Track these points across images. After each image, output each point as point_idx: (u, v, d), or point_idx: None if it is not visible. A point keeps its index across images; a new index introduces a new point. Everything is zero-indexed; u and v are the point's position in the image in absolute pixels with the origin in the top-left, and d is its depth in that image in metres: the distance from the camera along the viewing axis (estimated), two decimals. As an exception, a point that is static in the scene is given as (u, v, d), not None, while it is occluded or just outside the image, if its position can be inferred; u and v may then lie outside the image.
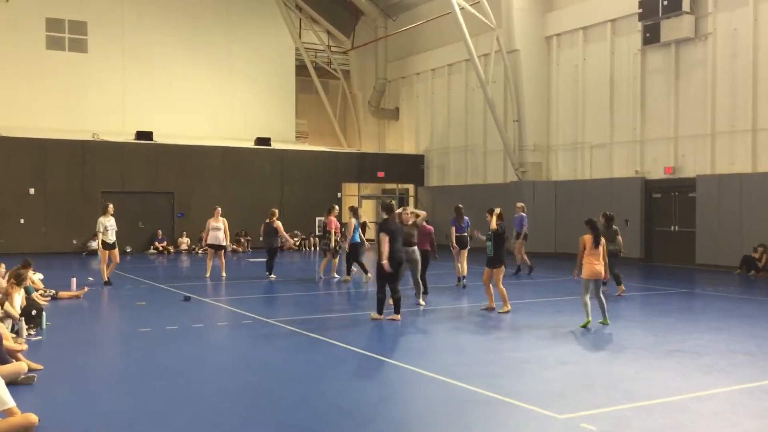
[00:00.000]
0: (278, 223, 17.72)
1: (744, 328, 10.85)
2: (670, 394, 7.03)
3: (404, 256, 11.63)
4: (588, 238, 10.90)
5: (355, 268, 17.48)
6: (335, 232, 17.24)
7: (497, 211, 12.32)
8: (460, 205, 16.41)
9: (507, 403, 6.69)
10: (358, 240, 16.97)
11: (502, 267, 12.15)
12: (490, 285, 12.32)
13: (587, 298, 10.85)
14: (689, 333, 10.37)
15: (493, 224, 12.09)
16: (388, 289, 11.26)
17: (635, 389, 7.19)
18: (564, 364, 8.36)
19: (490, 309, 12.32)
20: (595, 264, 10.82)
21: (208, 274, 17.55)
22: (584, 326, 10.64)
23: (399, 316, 11.24)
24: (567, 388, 7.25)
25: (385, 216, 11.32)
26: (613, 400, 6.82)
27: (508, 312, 12.07)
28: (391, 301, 11.32)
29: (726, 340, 9.77)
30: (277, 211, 18.31)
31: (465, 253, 15.89)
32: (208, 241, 17.89)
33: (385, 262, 10.91)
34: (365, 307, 12.75)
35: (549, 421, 6.16)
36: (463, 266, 15.80)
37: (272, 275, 17.51)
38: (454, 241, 15.90)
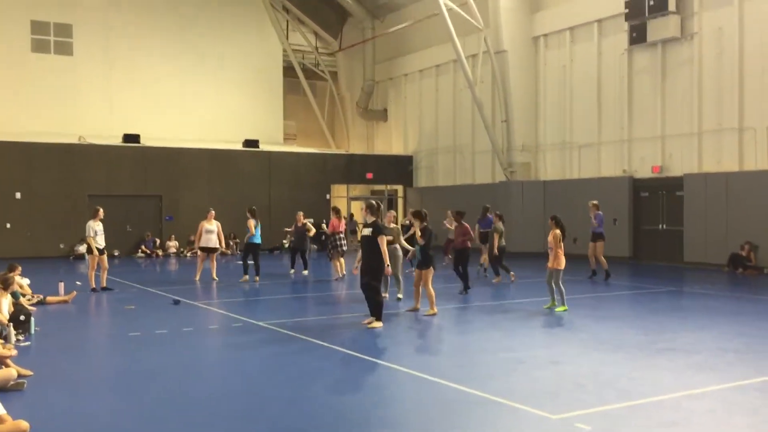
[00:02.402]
0: (309, 225, 19.11)
1: (733, 326, 10.92)
2: (663, 392, 7.05)
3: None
4: (559, 233, 12.28)
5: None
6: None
7: (422, 216, 12.44)
8: (488, 205, 19.05)
9: (500, 404, 6.69)
10: (257, 241, 17.65)
11: (431, 269, 12.05)
12: (419, 287, 12.22)
13: (562, 284, 12.35)
14: (679, 331, 10.42)
15: (419, 234, 12.17)
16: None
17: (628, 388, 7.21)
18: (557, 363, 8.37)
19: (415, 310, 12.30)
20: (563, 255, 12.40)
21: (197, 277, 17.44)
22: (563, 310, 12.20)
23: (381, 324, 10.88)
24: (560, 387, 7.26)
25: (373, 218, 10.93)
26: (606, 399, 6.83)
27: (434, 315, 11.87)
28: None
29: (716, 338, 9.82)
30: (302, 213, 19.53)
31: (488, 247, 17.82)
32: (201, 244, 17.61)
33: (388, 265, 10.73)
34: (356, 309, 12.71)
35: (543, 422, 6.16)
36: (485, 257, 18.03)
37: (306, 270, 18.95)
38: (477, 237, 17.71)
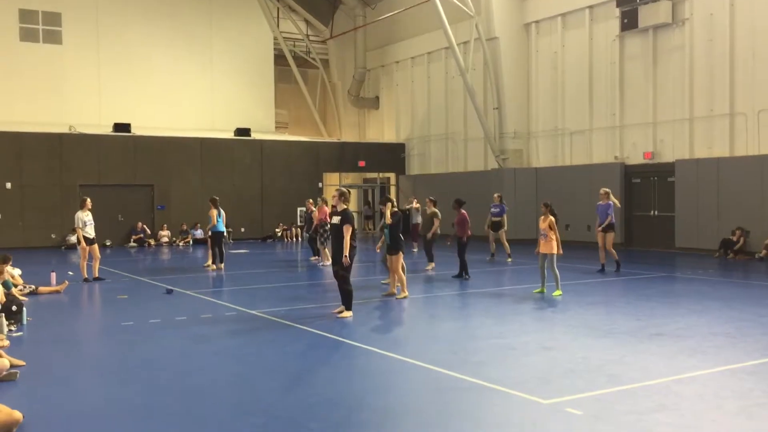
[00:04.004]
0: (315, 213, 19.38)
1: (724, 310, 10.99)
2: (653, 377, 7.10)
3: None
4: (553, 219, 12.55)
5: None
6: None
7: (392, 202, 12.77)
8: (499, 194, 19.86)
9: (492, 390, 6.73)
10: (221, 230, 18.00)
11: (400, 253, 12.42)
12: (398, 271, 12.63)
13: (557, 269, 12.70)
14: (671, 316, 10.48)
15: (388, 216, 12.36)
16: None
17: (619, 373, 7.26)
18: (548, 349, 8.42)
19: (391, 294, 12.63)
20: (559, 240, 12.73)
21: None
22: (558, 294, 12.48)
23: (350, 313, 10.77)
24: (552, 373, 7.30)
25: (344, 206, 10.76)
26: (597, 384, 6.87)
27: (405, 298, 12.25)
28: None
29: (707, 323, 9.89)
30: (312, 201, 20.57)
31: (502, 233, 19.04)
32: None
33: (346, 255, 10.42)
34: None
35: (534, 406, 6.20)
36: (504, 244, 18.99)
37: (314, 258, 19.50)
38: (489, 225, 19.20)
